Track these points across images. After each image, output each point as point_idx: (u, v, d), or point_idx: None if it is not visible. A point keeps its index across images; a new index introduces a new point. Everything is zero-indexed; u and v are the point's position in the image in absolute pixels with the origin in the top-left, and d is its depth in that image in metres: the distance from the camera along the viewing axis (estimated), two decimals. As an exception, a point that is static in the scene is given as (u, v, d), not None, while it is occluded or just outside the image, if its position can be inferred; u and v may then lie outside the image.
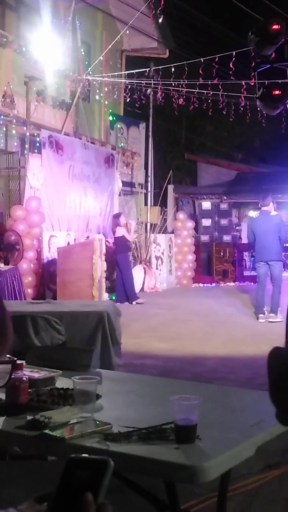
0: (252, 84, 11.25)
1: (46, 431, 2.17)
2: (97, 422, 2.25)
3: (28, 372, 2.77)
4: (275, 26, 5.66)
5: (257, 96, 6.71)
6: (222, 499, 2.46)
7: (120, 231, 13.42)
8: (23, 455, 3.82)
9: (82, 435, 2.13)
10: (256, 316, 10.70)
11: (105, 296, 11.76)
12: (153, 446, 2.02)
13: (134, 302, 12.83)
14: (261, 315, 10.61)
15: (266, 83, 7.63)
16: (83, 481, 1.08)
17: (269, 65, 6.21)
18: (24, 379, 2.48)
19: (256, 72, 6.37)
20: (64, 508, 1.06)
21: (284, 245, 10.87)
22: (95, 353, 3.29)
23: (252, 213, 22.47)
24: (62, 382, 2.81)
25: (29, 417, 2.29)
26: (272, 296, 10.64)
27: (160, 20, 12.63)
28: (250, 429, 2.18)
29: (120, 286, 13.16)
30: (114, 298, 12.69)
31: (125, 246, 13.50)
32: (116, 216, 14.12)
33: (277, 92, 6.09)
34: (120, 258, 13.27)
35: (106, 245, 12.55)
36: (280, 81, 6.12)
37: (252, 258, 19.66)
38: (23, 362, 2.91)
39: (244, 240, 20.97)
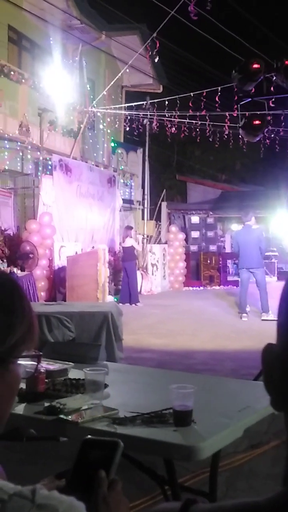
0: (235, 115, 11.29)
1: (62, 416, 2.16)
2: (105, 408, 2.24)
3: (45, 365, 2.76)
4: (255, 65, 5.69)
5: (239, 125, 6.73)
6: (213, 474, 2.45)
7: (130, 242, 13.34)
8: (39, 437, 3.80)
9: (93, 419, 2.13)
10: (240, 316, 10.66)
11: (108, 298, 11.73)
12: (155, 429, 2.02)
13: (134, 304, 12.80)
14: (243, 315, 10.57)
15: (247, 114, 7.63)
16: (96, 460, 1.08)
17: (250, 99, 6.24)
18: (42, 370, 2.47)
19: (239, 105, 6.39)
20: (80, 483, 1.06)
21: (265, 254, 10.81)
22: (102, 348, 3.27)
23: (236, 227, 22.53)
24: (74, 373, 2.79)
25: (46, 404, 2.28)
26: (261, 299, 10.53)
27: (156, 60, 12.65)
28: (238, 413, 2.18)
29: (125, 289, 13.11)
30: (116, 300, 12.65)
31: (133, 255, 13.44)
32: (128, 228, 13.98)
33: (257, 122, 6.11)
34: (128, 265, 13.21)
35: (110, 254, 12.53)
36: (259, 112, 6.15)
37: (235, 265, 19.71)
38: (40, 356, 2.89)
39: (228, 250, 21.03)
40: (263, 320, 10.19)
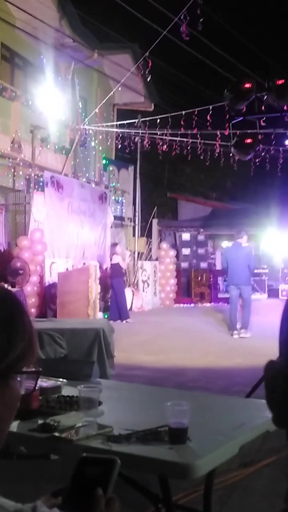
0: (226, 133, 11.39)
1: (56, 433, 2.14)
2: (100, 425, 2.22)
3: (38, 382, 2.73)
4: (247, 85, 5.76)
5: (232, 144, 6.79)
6: (207, 493, 2.43)
7: (116, 259, 13.38)
8: (29, 455, 3.75)
9: (88, 437, 2.11)
10: (231, 333, 10.68)
11: (99, 315, 11.69)
12: (150, 447, 2.00)
13: (125, 321, 12.76)
14: (235, 332, 10.61)
15: (238, 133, 7.69)
16: (93, 478, 1.07)
17: (242, 118, 6.29)
18: (36, 387, 2.45)
19: (231, 124, 6.45)
20: (77, 501, 1.04)
21: (254, 271, 10.92)
22: (95, 365, 3.25)
23: (226, 244, 22.64)
24: (67, 390, 2.77)
25: (40, 421, 2.25)
26: (243, 316, 10.67)
27: (148, 79, 12.75)
28: (233, 431, 2.17)
29: (114, 306, 13.08)
30: (106, 316, 12.61)
31: (120, 272, 13.45)
32: (114, 245, 14.08)
33: (249, 140, 6.16)
34: (115, 282, 13.21)
35: (100, 271, 12.51)
36: (250, 131, 6.20)
37: (225, 282, 19.76)
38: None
39: (218, 267, 21.07)
40: (241, 337, 10.33)
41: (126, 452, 1.96)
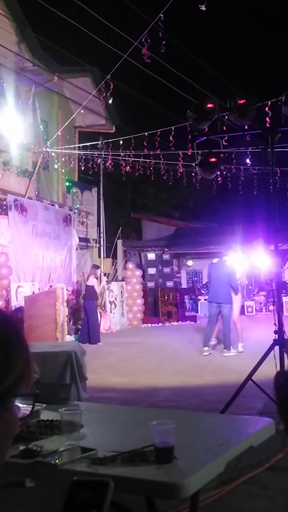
0: (189, 153, 11.54)
1: (39, 458, 2.09)
2: (84, 449, 2.18)
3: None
4: (209, 105, 5.86)
5: (196, 163, 6.87)
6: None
7: (92, 281, 13.28)
8: (2, 484, 3.64)
9: (72, 461, 2.07)
10: (202, 349, 10.65)
11: (68, 338, 11.57)
12: (137, 467, 1.97)
13: (97, 343, 12.61)
14: (205, 348, 10.57)
15: (200, 153, 7.77)
16: (86, 501, 1.05)
17: (205, 137, 6.39)
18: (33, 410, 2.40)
19: (195, 143, 6.53)
20: None
21: (237, 290, 10.82)
22: (72, 387, 3.20)
23: (191, 262, 22.73)
24: (46, 415, 2.72)
25: (22, 447, 2.20)
26: (223, 334, 10.52)
27: (110, 102, 12.82)
28: (218, 448, 2.16)
29: (85, 328, 12.94)
30: (75, 339, 12.47)
31: (94, 294, 13.33)
32: (94, 267, 13.99)
33: (213, 159, 6.25)
34: (87, 304, 13.10)
35: (67, 293, 12.41)
36: (215, 150, 6.28)
37: (191, 301, 19.85)
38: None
39: (184, 285, 21.17)
40: (224, 356, 10.25)
41: (113, 474, 1.92)
